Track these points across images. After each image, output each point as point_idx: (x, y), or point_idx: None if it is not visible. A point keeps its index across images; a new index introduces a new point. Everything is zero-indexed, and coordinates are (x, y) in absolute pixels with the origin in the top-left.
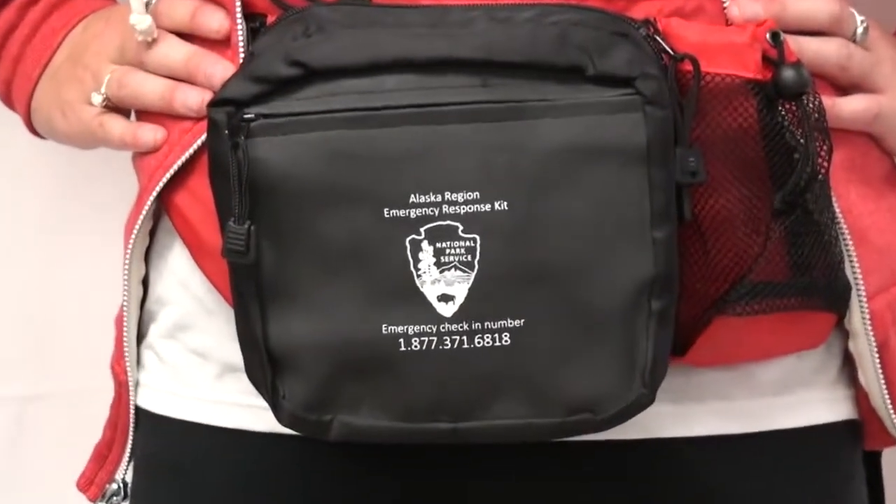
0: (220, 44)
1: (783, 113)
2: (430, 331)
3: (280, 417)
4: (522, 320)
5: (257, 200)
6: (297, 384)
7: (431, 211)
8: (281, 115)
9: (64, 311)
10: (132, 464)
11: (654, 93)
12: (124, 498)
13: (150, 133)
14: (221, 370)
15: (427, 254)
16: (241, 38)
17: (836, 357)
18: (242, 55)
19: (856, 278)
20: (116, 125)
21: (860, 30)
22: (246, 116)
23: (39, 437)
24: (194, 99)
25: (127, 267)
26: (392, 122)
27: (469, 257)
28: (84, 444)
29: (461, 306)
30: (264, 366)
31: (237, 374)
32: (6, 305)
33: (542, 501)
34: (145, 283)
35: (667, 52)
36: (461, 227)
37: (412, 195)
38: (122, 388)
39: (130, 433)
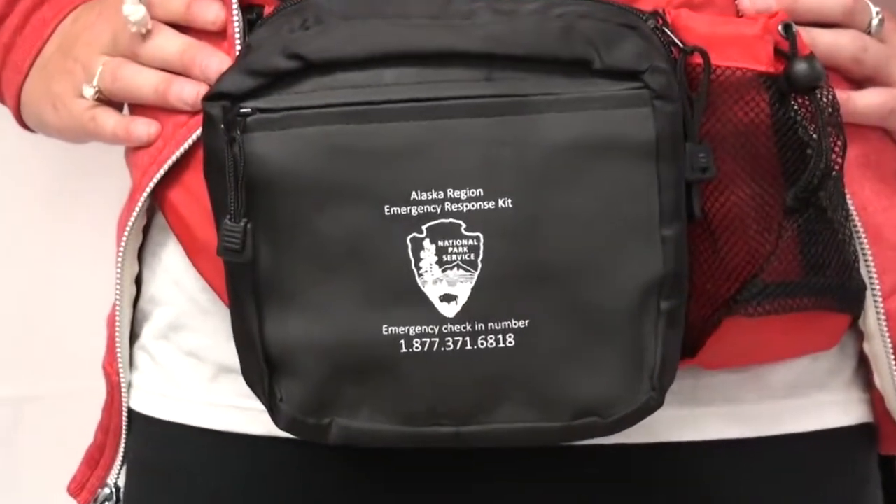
0: (216, 35)
1: (796, 107)
2: (431, 332)
3: (277, 420)
4: (527, 321)
5: (254, 197)
6: (294, 386)
7: (433, 208)
8: (278, 110)
9: (55, 310)
10: (125, 468)
11: (663, 87)
12: (116, 503)
13: (144, 127)
14: (216, 372)
15: (429, 252)
16: (237, 29)
17: (851, 359)
18: (239, 47)
19: (871, 278)
20: (109, 119)
21: (875, 21)
22: (242, 111)
23: (32, 439)
24: (189, 92)
25: (119, 265)
26: (393, 116)
27: (472, 256)
28: (77, 447)
29: (464, 307)
30: (261, 367)
31: (233, 376)
32: None
33: None
34: (138, 281)
35: (676, 44)
36: (464, 225)
37: (413, 192)
38: (114, 390)
39: (123, 436)
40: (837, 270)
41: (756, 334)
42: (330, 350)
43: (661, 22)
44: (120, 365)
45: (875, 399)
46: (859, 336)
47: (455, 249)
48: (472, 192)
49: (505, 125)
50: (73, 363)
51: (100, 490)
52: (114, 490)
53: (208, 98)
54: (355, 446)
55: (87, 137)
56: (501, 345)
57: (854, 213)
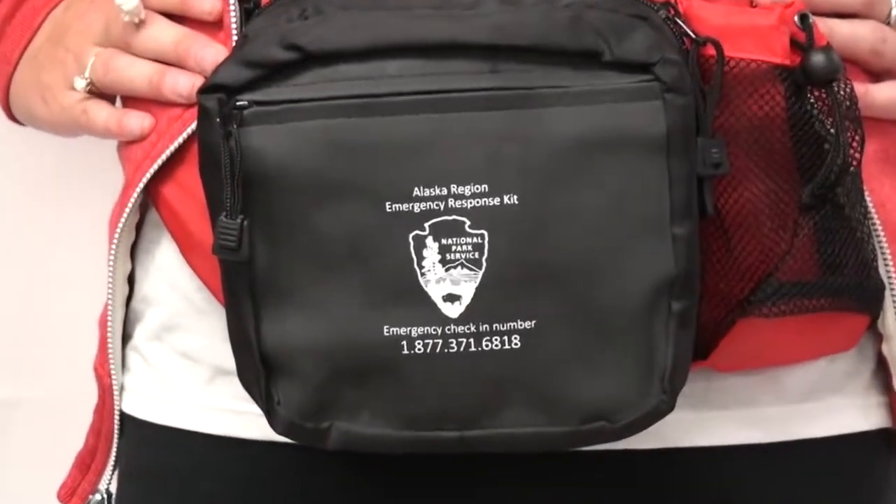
0: (211, 26)
1: (812, 101)
2: (434, 333)
3: (274, 425)
4: (533, 322)
5: (251, 193)
6: (292, 389)
7: (436, 205)
8: (276, 103)
9: (45, 310)
10: (117, 473)
11: (675, 79)
12: None
13: (137, 121)
14: (212, 374)
15: (431, 251)
16: (233, 19)
17: (869, 361)
18: (235, 38)
19: (890, 277)
20: (101, 112)
21: (895, 12)
22: (239, 104)
23: (21, 443)
24: (184, 84)
25: (111, 263)
26: (395, 109)
27: (476, 254)
28: (67, 451)
29: (468, 307)
30: (258, 369)
31: (229, 378)
32: None
33: None
34: (131, 280)
35: (688, 35)
36: (468, 223)
37: (416, 188)
38: (105, 393)
39: (115, 440)
40: (855, 269)
41: (771, 336)
42: (329, 351)
43: (672, 12)
44: (112, 367)
45: (894, 403)
46: (878, 337)
47: (459, 248)
48: (477, 189)
49: (511, 119)
50: (63, 365)
51: (91, 496)
52: (105, 496)
53: (203, 90)
54: (355, 451)
55: (78, 131)
56: (507, 346)
57: (872, 210)
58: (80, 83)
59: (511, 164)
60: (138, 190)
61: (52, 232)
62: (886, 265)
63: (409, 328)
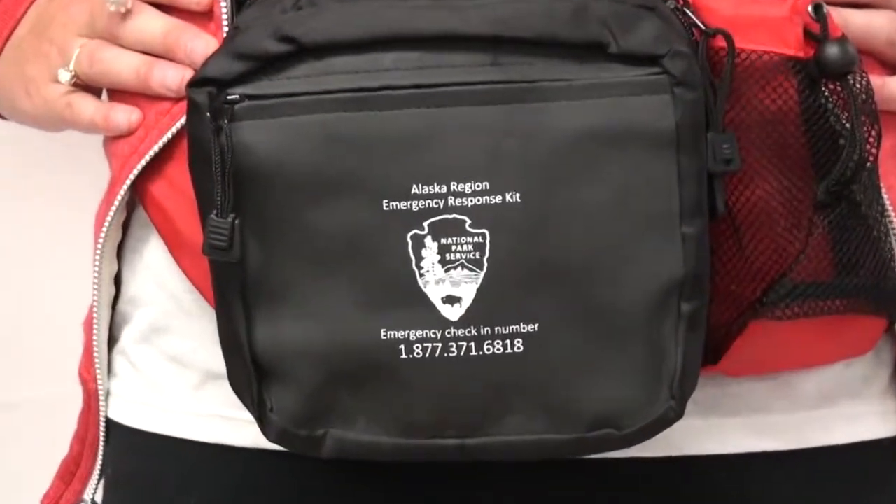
0: (201, 16)
1: (827, 94)
2: (433, 336)
3: (267, 432)
4: (537, 325)
5: (242, 190)
6: (285, 395)
7: (436, 203)
8: (268, 97)
9: (28, 312)
10: (102, 482)
11: (684, 72)
12: None
13: (124, 115)
14: (202, 379)
15: (431, 251)
16: (224, 10)
17: (887, 366)
18: (226, 29)
19: None
20: (86, 105)
21: None
22: (230, 97)
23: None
24: (173, 77)
25: (97, 263)
26: (392, 104)
27: (477, 255)
28: (51, 459)
29: (468, 309)
30: (249, 374)
31: (219, 384)
32: None
33: None
34: (117, 281)
35: (697, 26)
36: (469, 221)
37: (414, 185)
38: (91, 398)
39: (101, 448)
40: (872, 270)
41: (784, 339)
42: (324, 356)
43: (681, 2)
44: (97, 371)
45: None
46: None
47: (459, 247)
48: (478, 186)
49: (513, 113)
50: (47, 369)
51: None
52: None
53: (193, 84)
54: (351, 459)
55: (62, 125)
56: (509, 350)
57: (890, 207)
58: (65, 76)
59: (513, 160)
60: (125, 187)
61: (30, 231)
62: None
63: (407, 331)
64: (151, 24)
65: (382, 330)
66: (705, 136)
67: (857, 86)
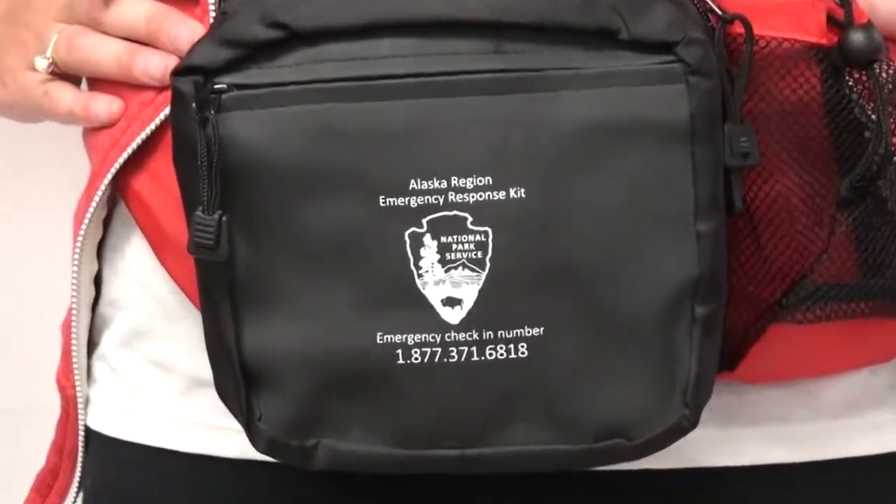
0: (187, 1)
1: (851, 84)
2: (433, 340)
3: (255, 442)
4: (542, 328)
5: (230, 186)
6: (275, 402)
7: (435, 199)
8: (258, 86)
9: (3, 315)
10: (81, 495)
11: (700, 60)
12: None
13: (105, 105)
14: (187, 385)
15: (430, 250)
16: None
17: None
18: (213, 14)
19: None
20: (64, 95)
21: None
22: (217, 87)
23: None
24: (156, 65)
25: (76, 263)
26: (389, 93)
27: (479, 254)
28: (28, 470)
29: (470, 312)
30: (237, 381)
31: (205, 390)
32: None
33: None
34: (98, 282)
35: (713, 11)
36: (470, 219)
37: (412, 181)
38: (69, 406)
39: (79, 459)
40: None
41: (805, 344)
42: (316, 361)
43: None
44: (76, 377)
45: None
46: None
47: (460, 246)
48: (480, 181)
49: (517, 104)
50: (23, 376)
51: None
52: None
53: (178, 72)
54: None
55: (39, 116)
56: (512, 355)
57: None
58: (42, 63)
59: (517, 153)
60: (106, 182)
61: (5, 228)
62: None
63: (404, 335)
64: (134, 9)
65: (378, 334)
66: (722, 128)
67: (884, 75)
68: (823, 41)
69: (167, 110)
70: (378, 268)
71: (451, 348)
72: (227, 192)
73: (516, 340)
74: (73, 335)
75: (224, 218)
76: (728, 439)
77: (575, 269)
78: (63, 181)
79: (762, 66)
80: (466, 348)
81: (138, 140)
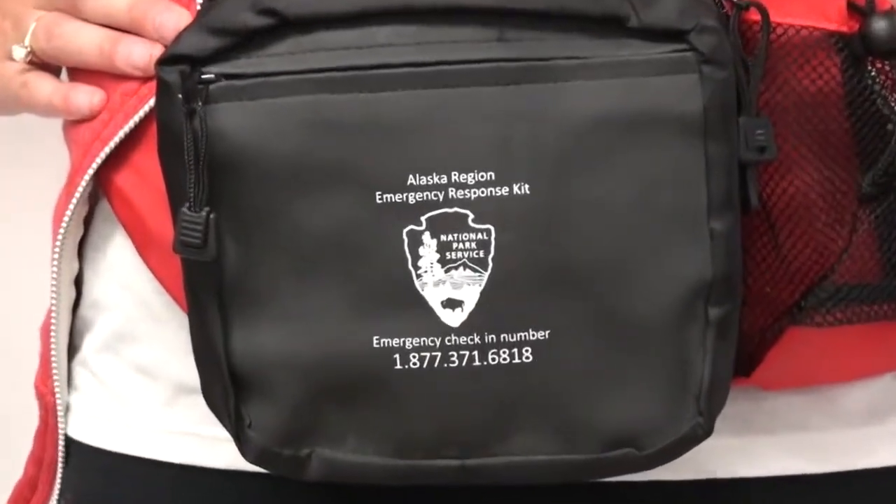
0: None
1: (873, 74)
2: (432, 344)
3: (245, 451)
4: (547, 332)
5: (218, 181)
6: (266, 410)
7: (435, 195)
8: (248, 76)
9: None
10: None
11: (713, 49)
12: None
13: (86, 96)
14: (173, 392)
15: (429, 249)
16: None
17: None
18: (201, 1)
19: None
20: (43, 85)
21: None
22: (204, 77)
23: None
24: (140, 54)
25: (56, 263)
26: (386, 84)
27: (481, 253)
28: (5, 482)
29: (471, 314)
30: (226, 387)
31: (192, 398)
32: None
33: None
34: (78, 283)
35: None
36: (472, 216)
37: (411, 176)
38: (48, 414)
39: (59, 469)
40: None
41: (825, 348)
42: (309, 366)
43: None
44: (56, 383)
45: None
46: None
47: (461, 245)
48: (482, 177)
49: (521, 95)
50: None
51: None
52: None
53: (163, 61)
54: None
55: (17, 108)
56: (516, 360)
57: None
58: (20, 52)
59: (522, 147)
60: (87, 178)
61: None
62: None
63: (402, 339)
64: None
65: (375, 337)
66: (736, 120)
67: None
68: (844, 28)
69: (151, 102)
70: (374, 268)
71: (451, 353)
72: (215, 187)
73: (520, 344)
74: (53, 339)
75: (212, 215)
76: (744, 448)
77: (582, 269)
78: (42, 177)
79: (779, 55)
80: (467, 353)
81: (121, 133)
